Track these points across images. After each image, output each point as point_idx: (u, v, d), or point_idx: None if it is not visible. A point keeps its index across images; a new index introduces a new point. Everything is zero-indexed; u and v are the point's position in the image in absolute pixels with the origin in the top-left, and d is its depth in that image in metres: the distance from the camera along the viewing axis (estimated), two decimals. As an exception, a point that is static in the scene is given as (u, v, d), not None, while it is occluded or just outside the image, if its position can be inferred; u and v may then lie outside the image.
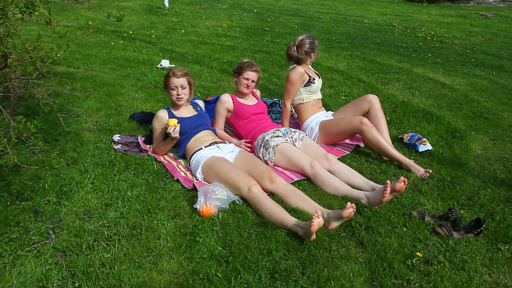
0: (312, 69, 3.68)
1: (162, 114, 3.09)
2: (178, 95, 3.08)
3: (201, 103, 3.45)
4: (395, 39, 8.24)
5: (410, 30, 9.22)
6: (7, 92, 2.70)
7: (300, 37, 3.48)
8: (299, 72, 3.42)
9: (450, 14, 12.19)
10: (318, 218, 2.18)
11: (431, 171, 3.05)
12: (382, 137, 3.23)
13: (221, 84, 4.82)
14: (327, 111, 3.74)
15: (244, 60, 3.42)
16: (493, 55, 7.35)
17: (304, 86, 3.48)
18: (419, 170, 3.08)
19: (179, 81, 3.07)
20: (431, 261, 2.18)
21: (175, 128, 2.92)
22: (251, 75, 3.30)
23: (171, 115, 3.10)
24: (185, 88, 3.09)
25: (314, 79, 3.51)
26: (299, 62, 3.50)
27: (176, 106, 3.17)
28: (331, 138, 3.47)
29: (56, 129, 3.22)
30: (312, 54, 3.50)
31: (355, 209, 2.34)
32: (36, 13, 2.14)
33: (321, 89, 3.67)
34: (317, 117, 3.55)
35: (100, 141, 3.22)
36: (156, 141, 3.13)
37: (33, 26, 6.77)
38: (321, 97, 3.68)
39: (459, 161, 3.33)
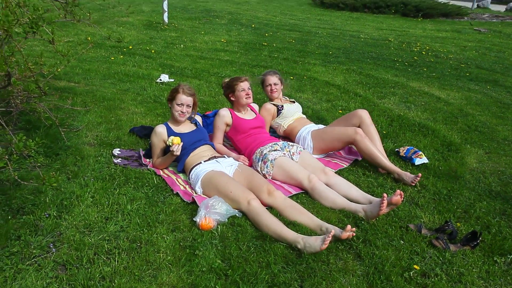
0: (285, 98, 3.98)
1: (161, 129, 3.12)
2: (182, 112, 3.12)
3: (198, 118, 3.49)
4: (391, 53, 8.35)
5: (406, 45, 9.35)
6: (9, 107, 2.74)
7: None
8: (266, 109, 3.74)
9: (445, 29, 12.36)
10: (330, 238, 2.24)
11: (420, 174, 3.10)
12: (375, 147, 3.31)
13: (219, 99, 4.87)
14: (319, 124, 3.83)
15: (226, 80, 3.54)
16: (487, 70, 7.45)
17: (277, 116, 3.76)
18: (409, 177, 3.14)
19: (186, 100, 3.12)
20: (428, 273, 2.20)
21: (178, 146, 2.96)
22: (245, 85, 3.39)
23: (170, 130, 3.13)
24: (190, 107, 3.15)
25: (282, 106, 3.75)
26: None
27: (175, 121, 3.21)
28: (325, 145, 3.52)
29: (57, 143, 3.24)
30: (265, 86, 3.83)
31: (354, 234, 2.38)
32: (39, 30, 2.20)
33: (307, 109, 4.07)
34: (307, 128, 3.66)
35: (100, 155, 3.24)
36: (155, 156, 3.15)
37: (34, 41, 6.84)
38: (302, 116, 3.88)
39: (455, 174, 3.37)
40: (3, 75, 2.26)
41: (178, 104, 3.11)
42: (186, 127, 3.23)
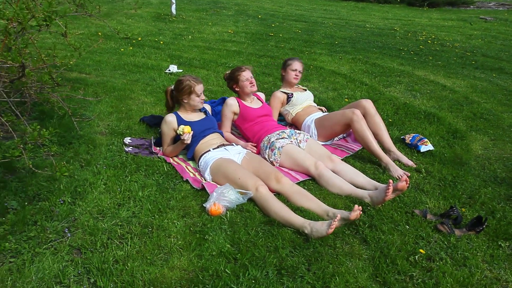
0: (297, 86, 3.99)
1: (171, 118, 3.17)
2: (203, 99, 3.20)
3: (207, 107, 3.54)
4: (397, 43, 8.31)
5: (411, 34, 9.29)
6: (23, 98, 2.80)
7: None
8: (276, 96, 3.80)
9: (450, 18, 12.25)
10: (336, 222, 2.26)
11: (409, 174, 3.09)
12: (369, 131, 3.30)
13: (227, 88, 4.90)
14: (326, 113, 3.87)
15: (227, 72, 3.60)
16: (493, 58, 7.40)
17: (287, 103, 3.79)
18: (396, 170, 3.12)
19: (202, 88, 3.20)
20: (433, 257, 2.23)
21: (189, 135, 3.02)
22: (247, 74, 3.43)
23: (180, 119, 3.18)
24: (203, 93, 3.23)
25: (292, 94, 3.78)
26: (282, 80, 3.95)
27: (189, 110, 3.26)
28: (327, 131, 3.57)
29: (70, 133, 3.31)
30: (282, 71, 3.87)
31: (361, 212, 2.41)
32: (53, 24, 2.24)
33: (314, 97, 4.03)
34: (312, 117, 3.70)
35: (112, 143, 3.30)
36: (165, 144, 3.21)
37: (45, 33, 6.89)
38: (311, 104, 3.89)
39: (460, 161, 3.39)
40: (17, 67, 2.31)
41: (198, 95, 3.18)
42: (196, 116, 3.28)
